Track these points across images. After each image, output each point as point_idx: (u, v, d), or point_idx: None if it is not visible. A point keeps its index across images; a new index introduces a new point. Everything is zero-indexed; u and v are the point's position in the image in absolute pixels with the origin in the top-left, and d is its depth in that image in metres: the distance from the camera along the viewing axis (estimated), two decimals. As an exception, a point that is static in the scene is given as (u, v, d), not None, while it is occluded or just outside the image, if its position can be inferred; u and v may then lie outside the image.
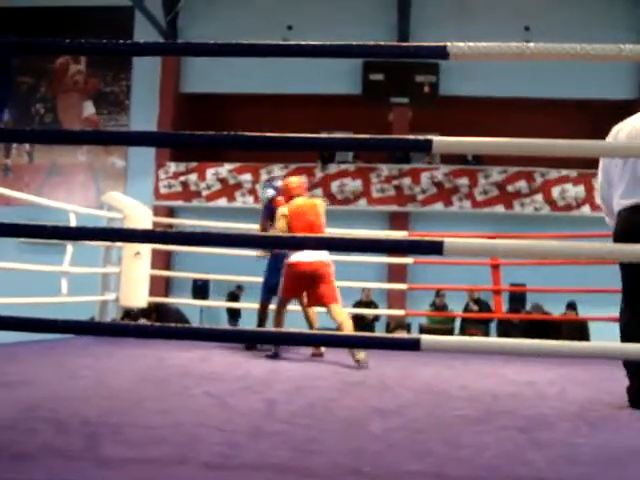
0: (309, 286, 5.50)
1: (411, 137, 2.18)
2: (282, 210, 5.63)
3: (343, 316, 5.36)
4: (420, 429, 2.70)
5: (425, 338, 2.00)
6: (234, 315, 13.00)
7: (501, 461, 2.22)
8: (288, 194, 5.79)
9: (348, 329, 5.24)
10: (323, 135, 2.26)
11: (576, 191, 13.41)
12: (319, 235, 4.95)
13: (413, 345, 1.98)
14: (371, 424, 2.75)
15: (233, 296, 12.90)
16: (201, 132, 2.20)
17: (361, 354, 4.91)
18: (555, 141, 2.19)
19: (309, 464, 2.12)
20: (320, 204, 5.68)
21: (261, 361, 5.11)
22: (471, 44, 2.09)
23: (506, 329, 9.91)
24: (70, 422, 2.58)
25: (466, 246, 2.04)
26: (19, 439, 2.30)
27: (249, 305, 8.24)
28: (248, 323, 11.19)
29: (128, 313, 8.07)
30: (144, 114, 14.94)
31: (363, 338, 2.38)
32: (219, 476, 1.96)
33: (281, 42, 2.24)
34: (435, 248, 1.94)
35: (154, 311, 8.09)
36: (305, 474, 2.01)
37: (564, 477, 2.06)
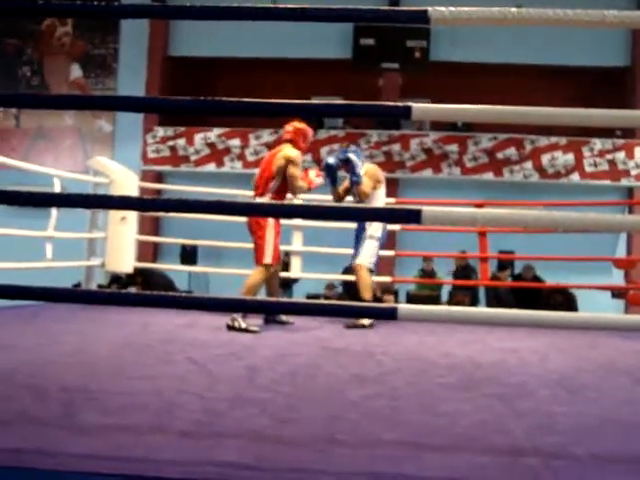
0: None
1: (390, 103, 2.14)
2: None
3: (250, 279, 5.11)
4: (399, 397, 2.71)
5: (402, 307, 1.99)
6: (286, 284, 11.33)
7: (478, 430, 2.23)
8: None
9: (243, 291, 5.05)
10: (310, 101, 2.22)
11: (565, 159, 13.36)
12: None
13: (390, 314, 1.97)
14: (350, 392, 2.75)
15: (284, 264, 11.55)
16: (189, 97, 2.15)
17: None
18: (537, 109, 2.15)
19: (285, 432, 2.12)
20: (281, 155, 5.18)
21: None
22: (452, 9, 2.05)
23: (494, 295, 9.92)
24: (49, 388, 2.57)
25: (445, 215, 2.02)
26: (-4, 405, 2.30)
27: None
28: (300, 293, 10.85)
29: (116, 278, 8.04)
30: (132, 77, 14.74)
31: (341, 307, 2.37)
32: (194, 444, 1.96)
33: (267, 5, 2.19)
34: (413, 217, 1.92)
35: (140, 276, 8.06)
36: (280, 442, 2.01)
37: (538, 445, 2.07)
